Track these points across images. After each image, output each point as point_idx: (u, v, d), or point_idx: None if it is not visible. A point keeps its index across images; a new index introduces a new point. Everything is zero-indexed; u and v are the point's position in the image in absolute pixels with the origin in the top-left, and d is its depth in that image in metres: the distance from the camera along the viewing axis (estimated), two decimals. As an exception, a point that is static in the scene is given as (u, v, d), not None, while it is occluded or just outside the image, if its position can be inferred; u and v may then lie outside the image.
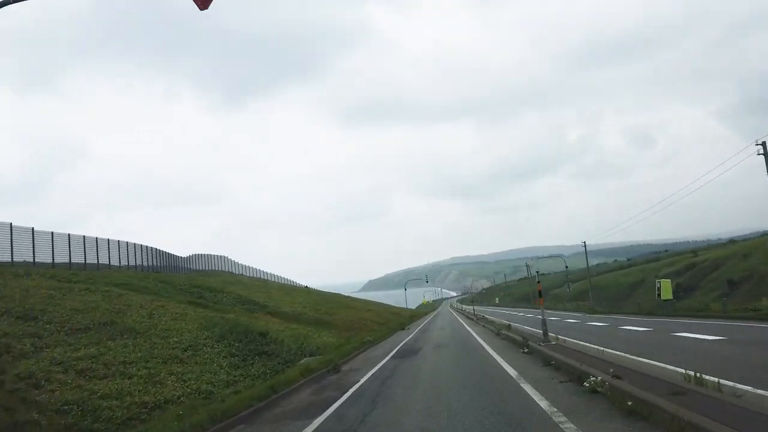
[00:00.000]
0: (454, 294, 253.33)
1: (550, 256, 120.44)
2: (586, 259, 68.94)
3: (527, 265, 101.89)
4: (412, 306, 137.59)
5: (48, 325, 13.94)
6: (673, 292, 69.61)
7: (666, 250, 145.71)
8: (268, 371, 15.27)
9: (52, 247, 26.52)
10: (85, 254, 29.68)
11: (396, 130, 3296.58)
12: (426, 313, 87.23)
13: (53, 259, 26.47)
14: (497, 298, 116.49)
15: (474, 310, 62.72)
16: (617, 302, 73.07)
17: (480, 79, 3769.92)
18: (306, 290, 71.08)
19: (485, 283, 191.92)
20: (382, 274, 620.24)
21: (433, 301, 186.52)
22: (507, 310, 78.82)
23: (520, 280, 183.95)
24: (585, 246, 65.05)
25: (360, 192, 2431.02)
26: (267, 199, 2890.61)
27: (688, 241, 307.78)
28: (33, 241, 25.26)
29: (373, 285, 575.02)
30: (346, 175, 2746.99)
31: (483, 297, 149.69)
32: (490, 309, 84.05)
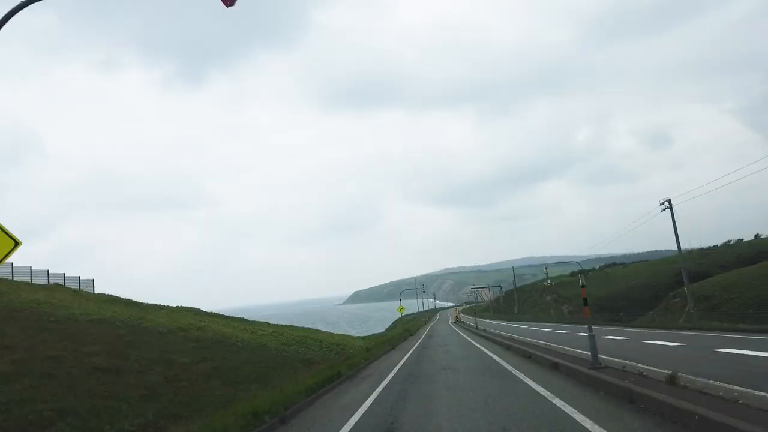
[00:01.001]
0: (451, 305, 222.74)
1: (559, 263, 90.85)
2: (678, 244, 38.31)
3: (546, 269, 71.75)
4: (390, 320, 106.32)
5: None
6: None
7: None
8: None
9: None
10: None
11: (385, 117, 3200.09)
12: (400, 339, 40.32)
13: None
14: (515, 308, 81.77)
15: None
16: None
17: (481, 57, 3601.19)
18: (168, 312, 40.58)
19: (488, 293, 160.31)
20: (370, 286, 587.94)
21: (425, 310, 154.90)
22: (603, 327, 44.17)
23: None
24: (671, 206, 34.03)
25: (347, 200, 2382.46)
26: (242, 206, 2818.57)
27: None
28: None
29: (359, 297, 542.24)
30: (331, 180, 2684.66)
31: (486, 308, 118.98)
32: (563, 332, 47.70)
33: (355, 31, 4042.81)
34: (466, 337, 36.28)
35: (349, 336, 49.90)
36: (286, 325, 35.31)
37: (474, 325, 52.89)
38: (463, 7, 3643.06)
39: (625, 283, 64.76)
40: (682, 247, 41.84)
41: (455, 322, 74.23)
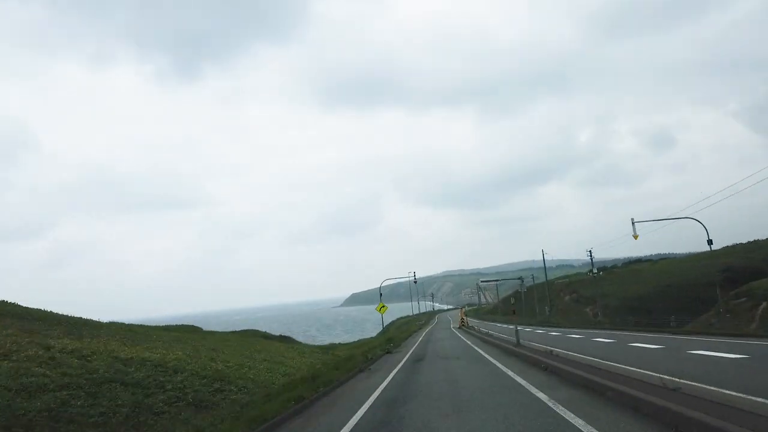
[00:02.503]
0: (450, 307, 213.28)
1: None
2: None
3: (590, 254, 53.45)
4: (376, 327, 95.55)
5: None
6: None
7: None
8: None
9: None
10: None
11: (385, 116, 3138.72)
12: (361, 363, 21.28)
13: None
14: (547, 308, 66.11)
15: None
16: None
17: (483, 55, 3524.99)
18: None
19: (490, 294, 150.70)
20: (368, 288, 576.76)
21: (421, 312, 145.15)
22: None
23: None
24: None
25: (345, 201, 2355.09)
26: (240, 207, 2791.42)
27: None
28: None
29: (357, 299, 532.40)
30: (330, 180, 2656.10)
31: (492, 310, 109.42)
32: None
33: (354, 29, 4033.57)
34: (512, 375, 13.65)
35: (303, 345, 36.06)
36: (156, 327, 23.99)
37: (512, 339, 24.95)
38: (464, 4, 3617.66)
39: (658, 282, 55.34)
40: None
41: (460, 328, 58.10)
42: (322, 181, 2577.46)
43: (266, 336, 34.45)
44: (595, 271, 48.88)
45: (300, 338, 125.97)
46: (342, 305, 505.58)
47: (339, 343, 51.20)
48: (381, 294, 39.25)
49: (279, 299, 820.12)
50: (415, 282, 41.23)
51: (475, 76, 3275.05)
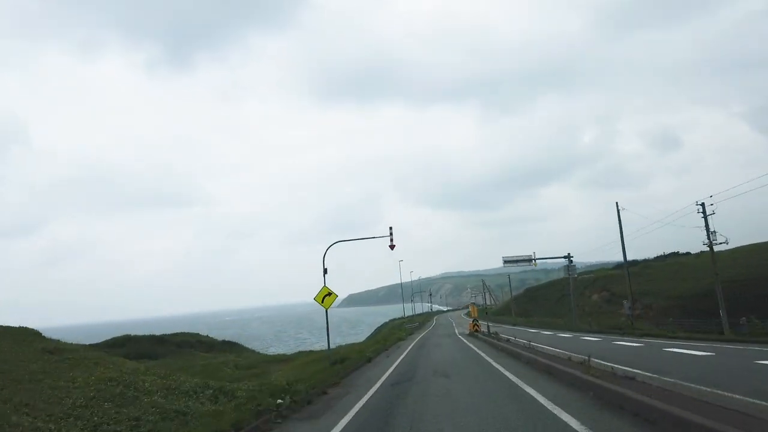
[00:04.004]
0: (449, 308, 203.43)
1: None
2: None
3: (703, 208, 34.28)
4: (366, 332, 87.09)
5: None
6: None
7: None
8: None
9: None
10: None
11: (385, 115, 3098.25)
12: None
13: None
14: (626, 303, 43.12)
15: None
16: None
17: (484, 51, 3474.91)
18: None
19: (490, 295, 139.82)
20: (366, 289, 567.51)
21: (416, 314, 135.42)
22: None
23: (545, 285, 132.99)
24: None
25: (345, 201, 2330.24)
26: (237, 206, 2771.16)
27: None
28: None
29: (354, 300, 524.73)
30: (331, 181, 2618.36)
31: (501, 311, 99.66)
32: None
33: (353, 24, 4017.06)
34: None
35: (235, 359, 21.39)
36: None
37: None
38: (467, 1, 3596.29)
39: (712, 277, 45.38)
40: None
41: (471, 335, 38.75)
42: (322, 181, 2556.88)
43: (205, 341, 24.97)
44: (719, 239, 30.50)
45: (291, 341, 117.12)
46: (339, 306, 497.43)
47: (310, 351, 40.53)
48: (326, 270, 21.79)
49: (279, 299, 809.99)
50: (392, 247, 24.51)
51: (476, 74, 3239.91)
